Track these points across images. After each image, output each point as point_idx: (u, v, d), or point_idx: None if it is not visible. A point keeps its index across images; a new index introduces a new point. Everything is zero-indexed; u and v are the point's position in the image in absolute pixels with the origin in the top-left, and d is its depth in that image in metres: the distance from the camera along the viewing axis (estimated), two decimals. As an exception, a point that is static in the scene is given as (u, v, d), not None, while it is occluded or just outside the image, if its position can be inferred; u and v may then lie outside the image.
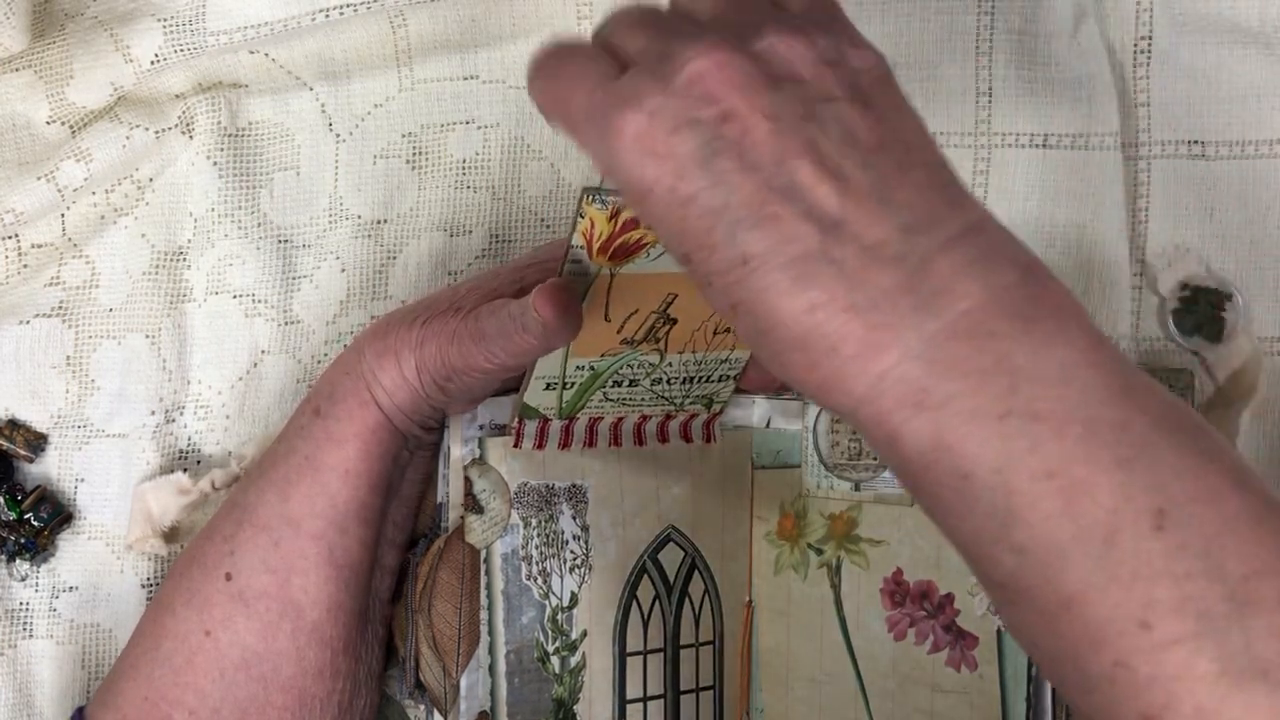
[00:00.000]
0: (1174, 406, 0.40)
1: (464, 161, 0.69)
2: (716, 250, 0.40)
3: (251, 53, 0.68)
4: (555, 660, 0.62)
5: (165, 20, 0.68)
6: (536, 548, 0.62)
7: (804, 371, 0.40)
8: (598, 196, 0.51)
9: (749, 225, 0.39)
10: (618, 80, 0.42)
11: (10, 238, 0.68)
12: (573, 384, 0.59)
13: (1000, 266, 0.40)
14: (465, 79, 0.69)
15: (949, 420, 0.38)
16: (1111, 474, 0.38)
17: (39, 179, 0.67)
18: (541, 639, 0.62)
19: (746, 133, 0.40)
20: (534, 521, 0.62)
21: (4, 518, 0.67)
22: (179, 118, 0.69)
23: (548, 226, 0.69)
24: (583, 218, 0.52)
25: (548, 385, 0.59)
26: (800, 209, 0.39)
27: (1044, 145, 0.66)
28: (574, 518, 0.63)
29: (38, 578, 0.67)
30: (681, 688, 0.65)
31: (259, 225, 0.69)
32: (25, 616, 0.67)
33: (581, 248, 0.53)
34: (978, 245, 0.40)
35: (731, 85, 0.40)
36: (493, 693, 0.61)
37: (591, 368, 0.59)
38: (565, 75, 0.43)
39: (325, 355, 0.69)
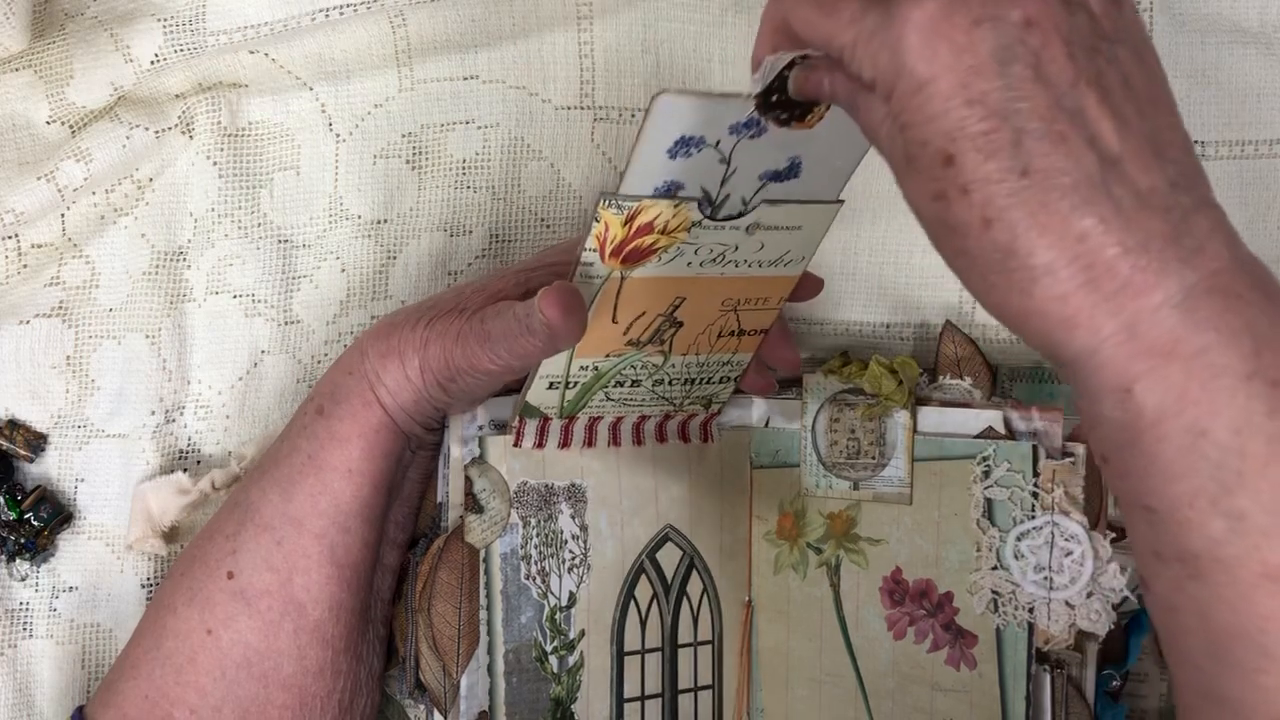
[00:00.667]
0: None
1: (464, 161, 0.69)
2: (995, 156, 0.39)
3: (251, 53, 0.68)
4: (553, 659, 0.62)
5: (165, 20, 0.68)
6: (535, 547, 0.62)
7: (1048, 302, 0.39)
8: (614, 201, 0.52)
9: (1038, 136, 0.39)
10: None
11: (10, 238, 0.68)
12: (576, 383, 0.59)
13: (1237, 239, 0.40)
14: (465, 79, 0.69)
15: (1198, 373, 0.38)
16: None
17: (39, 179, 0.67)
18: (540, 638, 0.62)
19: (1046, 46, 0.39)
20: (533, 521, 0.62)
21: (4, 518, 0.67)
22: (179, 118, 0.69)
23: (548, 226, 0.69)
24: (597, 221, 0.52)
25: (551, 384, 0.59)
26: (1085, 136, 0.39)
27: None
28: (573, 517, 0.63)
29: (38, 578, 0.67)
30: (679, 687, 0.65)
31: (259, 225, 0.69)
32: (25, 616, 0.67)
33: (594, 250, 0.53)
34: (1219, 215, 0.41)
35: None
36: (491, 692, 0.61)
37: (595, 368, 0.59)
38: None
39: (325, 355, 0.69)
